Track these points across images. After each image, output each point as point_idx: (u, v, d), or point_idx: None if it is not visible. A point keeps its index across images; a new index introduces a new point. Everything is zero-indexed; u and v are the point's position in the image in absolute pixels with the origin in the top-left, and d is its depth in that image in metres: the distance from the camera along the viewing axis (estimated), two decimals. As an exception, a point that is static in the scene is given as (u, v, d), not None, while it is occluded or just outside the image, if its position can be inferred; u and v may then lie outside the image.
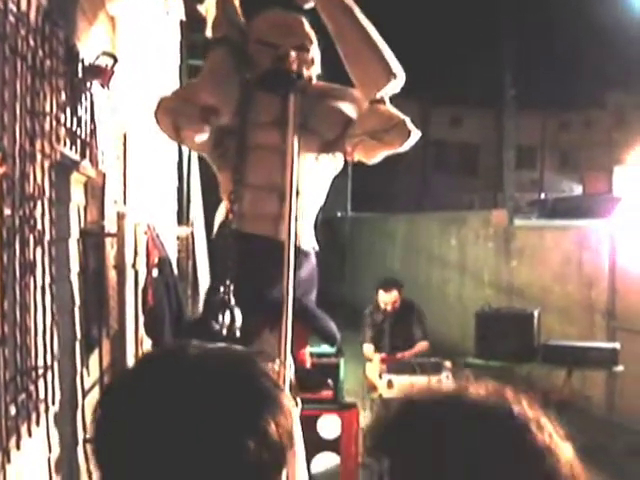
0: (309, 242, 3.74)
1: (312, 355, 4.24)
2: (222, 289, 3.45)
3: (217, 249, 3.70)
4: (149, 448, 1.14)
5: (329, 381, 4.13)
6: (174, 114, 3.46)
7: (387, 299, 7.70)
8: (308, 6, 3.62)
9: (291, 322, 3.62)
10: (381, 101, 3.60)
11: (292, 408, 1.24)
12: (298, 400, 3.86)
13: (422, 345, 7.64)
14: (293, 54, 3.58)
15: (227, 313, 3.41)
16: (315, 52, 3.71)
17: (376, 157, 3.71)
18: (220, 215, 3.85)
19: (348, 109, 3.70)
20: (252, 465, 1.15)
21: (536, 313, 7.09)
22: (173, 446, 1.14)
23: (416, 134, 3.58)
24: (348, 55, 3.56)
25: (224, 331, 3.40)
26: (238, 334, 3.42)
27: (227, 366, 1.23)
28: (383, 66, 3.52)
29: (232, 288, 3.44)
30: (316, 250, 3.81)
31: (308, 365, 3.95)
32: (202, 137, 3.53)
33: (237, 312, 3.42)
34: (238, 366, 1.24)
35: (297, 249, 3.61)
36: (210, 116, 3.41)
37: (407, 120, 3.56)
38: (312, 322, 3.80)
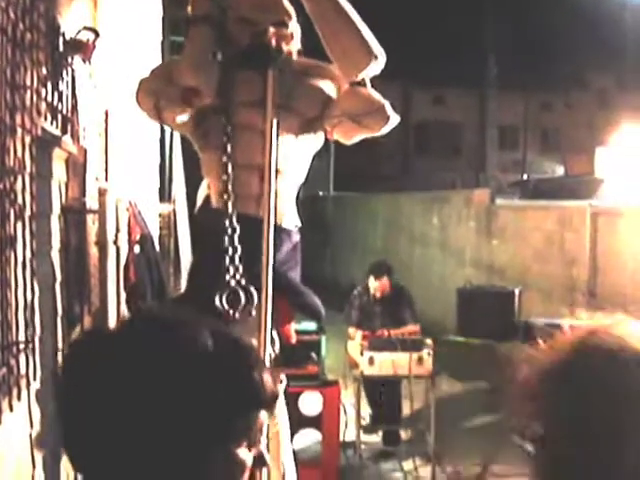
0: (290, 220, 3.73)
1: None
2: (231, 269, 3.43)
3: (201, 228, 3.68)
4: (112, 403, 1.14)
5: (313, 356, 4.13)
6: (155, 95, 3.44)
7: (377, 285, 7.70)
8: None
9: (275, 298, 3.62)
10: (362, 83, 3.58)
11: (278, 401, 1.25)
12: (283, 376, 3.88)
13: (412, 328, 7.64)
14: (272, 30, 3.56)
15: (241, 294, 3.41)
16: (294, 28, 3.68)
17: (354, 138, 3.71)
18: (202, 193, 3.84)
19: (328, 87, 3.67)
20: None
21: (517, 291, 7.13)
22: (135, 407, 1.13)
23: (395, 119, 3.58)
24: (327, 35, 3.53)
25: (237, 314, 3.41)
26: (254, 313, 3.42)
27: (218, 355, 1.20)
28: (363, 47, 3.49)
29: (242, 269, 3.44)
30: (298, 227, 3.80)
31: (293, 341, 3.95)
32: (183, 118, 3.51)
33: (253, 292, 3.42)
34: (228, 354, 1.22)
35: (279, 228, 3.61)
36: (192, 97, 3.39)
37: (387, 105, 3.54)
38: (296, 298, 3.79)
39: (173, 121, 3.64)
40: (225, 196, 3.54)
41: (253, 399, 1.20)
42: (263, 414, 1.22)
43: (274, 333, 3.74)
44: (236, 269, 3.45)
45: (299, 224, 3.80)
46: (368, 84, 3.59)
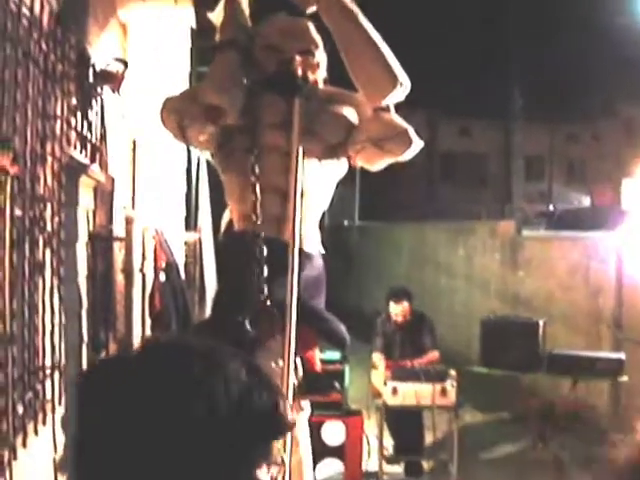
0: (312, 244, 3.75)
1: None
2: (261, 294, 3.45)
3: (224, 252, 3.70)
4: (125, 427, 1.15)
5: (337, 385, 4.12)
6: (179, 114, 3.49)
7: (398, 310, 7.68)
8: (310, 10, 3.63)
9: (299, 325, 3.63)
10: (385, 109, 3.62)
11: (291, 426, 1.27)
12: (307, 403, 3.88)
13: (433, 354, 7.62)
14: (298, 58, 3.61)
15: (266, 317, 3.43)
16: (321, 56, 3.74)
17: (378, 164, 3.73)
18: (226, 217, 3.87)
19: (352, 114, 3.71)
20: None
21: (541, 322, 7.08)
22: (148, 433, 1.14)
23: (418, 144, 3.60)
24: (352, 62, 3.58)
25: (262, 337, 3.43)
26: (278, 337, 3.44)
27: (229, 389, 1.20)
28: (388, 73, 3.53)
29: (267, 292, 3.46)
30: (322, 253, 3.81)
31: (317, 368, 3.94)
32: (206, 137, 3.56)
33: (277, 314, 3.44)
34: (242, 388, 1.22)
35: (300, 251, 3.63)
36: (215, 116, 3.44)
37: (410, 129, 3.58)
38: (320, 325, 3.79)
39: (197, 140, 3.68)
40: (253, 217, 3.56)
41: (275, 429, 1.23)
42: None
43: (297, 360, 3.75)
44: (261, 291, 3.46)
45: (322, 250, 3.81)
46: (392, 109, 3.63)
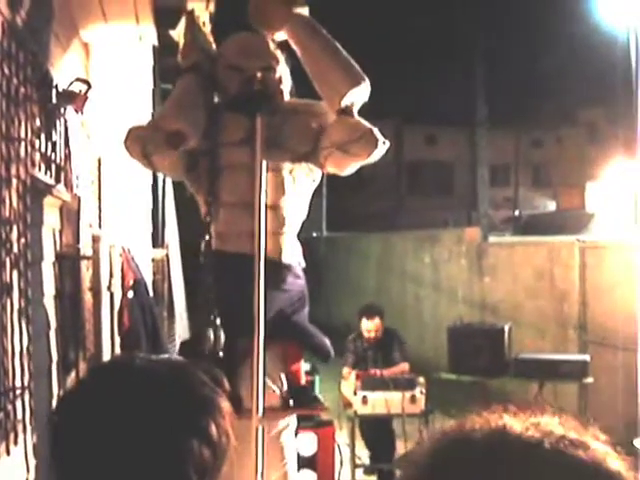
0: (292, 256, 3.77)
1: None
2: (207, 309, 3.49)
3: (202, 271, 3.73)
4: (100, 451, 1.25)
5: (321, 398, 4.15)
6: (142, 141, 3.52)
7: (370, 327, 7.70)
8: (279, 38, 3.74)
9: (285, 339, 3.68)
10: (349, 114, 3.66)
11: (229, 410, 1.34)
12: (293, 418, 3.90)
13: (402, 366, 7.67)
14: (259, 75, 3.67)
15: (211, 332, 3.45)
16: (283, 70, 3.80)
17: (347, 169, 3.76)
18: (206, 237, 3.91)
19: (318, 123, 3.76)
20: (196, 463, 1.25)
21: (506, 328, 7.19)
22: (122, 448, 1.25)
23: (384, 144, 3.62)
24: (313, 70, 3.67)
25: (206, 350, 3.44)
26: (221, 354, 3.46)
27: (169, 375, 1.33)
28: (344, 73, 3.61)
29: (215, 307, 3.48)
30: (303, 266, 3.84)
31: (302, 382, 3.97)
32: (171, 162, 3.60)
33: (220, 331, 3.46)
34: (179, 374, 1.35)
35: (279, 264, 3.66)
36: (176, 141, 3.47)
37: (374, 130, 3.60)
38: (306, 340, 3.82)
39: (163, 166, 3.74)
40: (207, 236, 3.62)
41: (199, 409, 1.31)
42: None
43: (282, 375, 3.79)
44: (210, 307, 3.50)
45: (303, 263, 3.83)
46: (355, 113, 3.67)
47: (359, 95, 3.64)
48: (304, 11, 3.72)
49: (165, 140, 3.46)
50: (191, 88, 3.66)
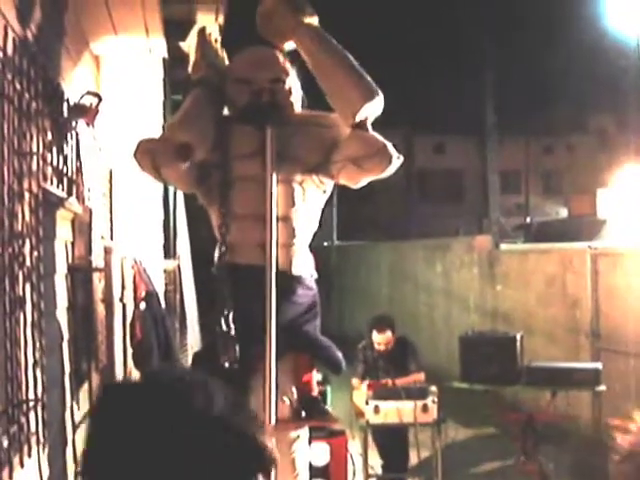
0: (303, 268, 3.77)
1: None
2: (223, 322, 3.49)
3: (215, 283, 3.73)
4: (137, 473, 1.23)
5: (329, 409, 4.14)
6: (152, 154, 3.54)
7: (381, 339, 7.64)
8: (288, 47, 3.75)
9: (296, 351, 3.68)
10: (364, 127, 3.67)
11: (275, 458, 1.30)
12: (305, 429, 3.89)
13: (418, 376, 7.60)
14: (268, 87, 3.69)
15: (229, 345, 3.45)
16: (293, 82, 3.80)
17: (360, 182, 3.76)
18: (218, 250, 3.92)
19: (329, 134, 3.77)
20: None
21: (518, 336, 7.16)
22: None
23: (398, 159, 3.62)
24: (325, 84, 3.67)
25: (226, 363, 3.44)
26: (237, 366, 3.46)
27: (226, 425, 1.26)
28: (357, 88, 3.61)
29: (231, 319, 3.49)
30: (315, 277, 3.83)
31: (314, 393, 3.96)
32: (181, 174, 3.61)
33: (236, 344, 3.46)
34: (235, 427, 1.27)
35: (290, 275, 3.66)
36: (185, 153, 3.49)
37: (389, 145, 3.61)
38: (315, 350, 3.82)
39: (173, 178, 3.75)
40: (223, 248, 3.63)
41: (255, 464, 1.28)
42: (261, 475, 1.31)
43: (293, 386, 3.78)
44: (227, 320, 3.50)
45: (315, 274, 3.83)
46: (369, 127, 3.68)
47: (373, 109, 3.64)
48: (313, 21, 3.73)
49: (174, 152, 3.47)
50: (199, 101, 3.68)
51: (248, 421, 1.29)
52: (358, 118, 3.62)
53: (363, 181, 3.75)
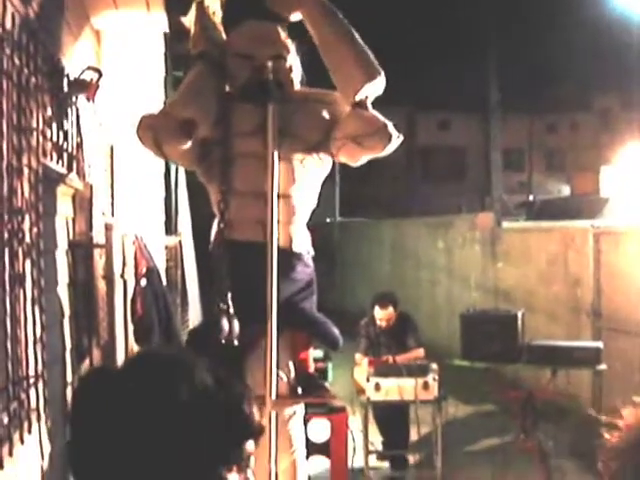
0: (302, 245, 3.77)
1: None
2: (221, 298, 3.49)
3: (213, 260, 3.74)
4: (120, 450, 1.25)
5: (328, 386, 4.16)
6: (154, 130, 3.51)
7: (383, 315, 7.68)
8: (294, 18, 3.69)
9: (293, 328, 3.68)
10: (364, 106, 3.66)
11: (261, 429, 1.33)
12: (301, 405, 3.91)
13: (417, 352, 7.65)
14: (270, 64, 3.66)
15: (226, 322, 3.45)
16: (293, 59, 3.78)
17: (360, 160, 3.76)
18: (215, 227, 3.92)
19: (329, 112, 3.76)
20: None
21: (520, 314, 7.15)
22: (143, 449, 1.24)
23: (398, 138, 3.62)
24: (329, 60, 3.65)
25: (223, 340, 3.44)
26: (236, 342, 3.47)
27: (209, 397, 1.29)
28: (360, 67, 3.58)
29: (229, 296, 3.49)
30: (312, 254, 3.84)
31: (311, 370, 3.97)
32: (183, 150, 3.59)
33: (235, 321, 3.46)
34: (218, 397, 1.30)
35: (290, 252, 3.66)
36: (188, 129, 3.47)
37: (389, 124, 3.60)
38: (314, 328, 3.82)
39: (175, 155, 3.72)
40: (222, 224, 3.62)
41: (242, 432, 1.31)
42: (250, 443, 1.32)
43: (290, 363, 3.80)
44: (225, 296, 3.50)
45: (312, 251, 3.83)
46: (369, 106, 3.66)
47: (374, 89, 3.63)
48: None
49: (177, 128, 3.45)
50: (201, 77, 3.65)
51: (232, 391, 1.32)
52: (358, 97, 3.61)
53: (363, 159, 3.75)
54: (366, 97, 3.64)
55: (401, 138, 3.64)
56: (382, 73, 3.62)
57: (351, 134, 3.61)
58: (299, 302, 3.72)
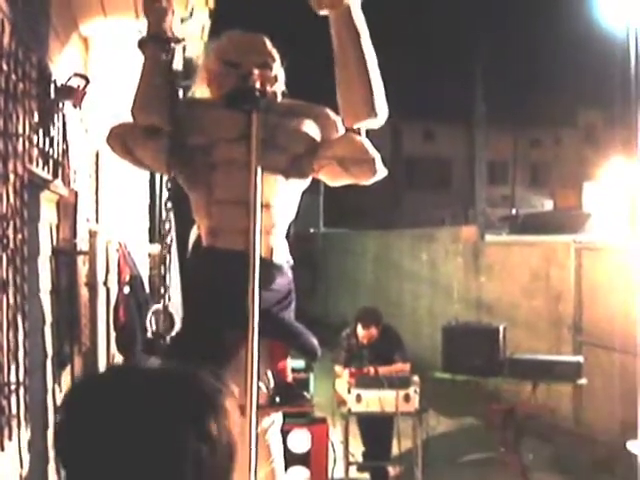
0: (282, 256, 3.77)
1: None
2: (161, 295, 3.52)
3: (191, 268, 3.73)
4: (106, 451, 1.27)
5: (307, 395, 4.15)
6: (122, 137, 3.52)
7: (364, 334, 7.62)
8: (323, 12, 3.62)
9: (271, 338, 3.68)
10: (357, 131, 3.66)
11: (233, 410, 1.35)
12: (279, 415, 3.92)
13: (402, 366, 7.59)
14: (256, 72, 3.65)
15: (162, 318, 3.48)
16: (278, 70, 3.78)
17: (338, 182, 3.78)
18: (193, 234, 3.91)
19: (311, 126, 3.75)
20: (193, 460, 1.27)
21: (501, 328, 7.19)
22: (121, 446, 1.26)
23: (382, 173, 3.64)
24: (341, 79, 3.62)
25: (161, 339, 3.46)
26: (167, 338, 3.49)
27: (170, 374, 1.37)
28: (368, 102, 3.58)
29: (168, 293, 3.50)
30: (290, 264, 3.84)
31: (289, 379, 3.97)
32: (153, 153, 3.56)
33: (174, 317, 3.49)
34: (179, 374, 1.38)
35: (270, 263, 3.66)
36: (152, 131, 3.48)
37: (377, 158, 3.61)
38: (291, 337, 3.82)
39: (149, 160, 3.68)
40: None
41: (204, 409, 1.33)
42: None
43: (269, 372, 3.80)
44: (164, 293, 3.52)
45: (291, 261, 3.84)
46: (363, 133, 3.67)
47: (374, 124, 3.64)
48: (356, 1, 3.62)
49: (141, 133, 3.48)
50: (150, 76, 3.53)
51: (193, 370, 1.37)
52: (356, 126, 3.62)
53: (342, 182, 3.76)
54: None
55: (385, 173, 3.66)
56: (386, 112, 3.63)
57: (338, 156, 3.61)
58: (278, 312, 3.72)
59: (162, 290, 3.52)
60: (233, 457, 1.34)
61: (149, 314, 3.46)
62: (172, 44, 3.61)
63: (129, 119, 3.65)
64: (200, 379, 1.36)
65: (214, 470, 1.30)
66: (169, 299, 3.50)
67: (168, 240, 3.63)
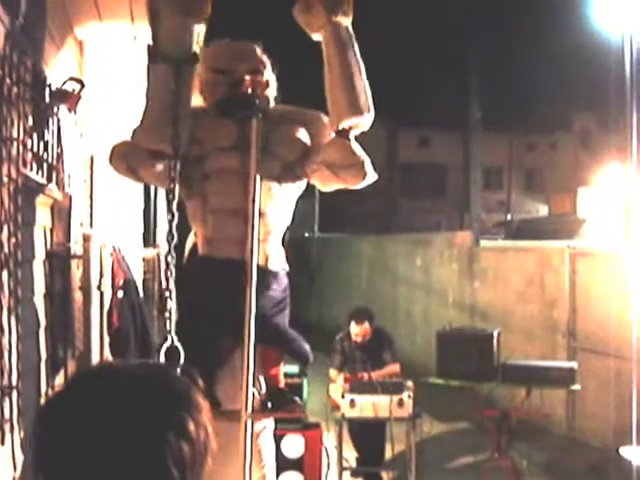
0: (278, 263, 3.77)
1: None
2: (162, 298, 3.51)
3: (187, 275, 3.72)
4: (83, 449, 1.27)
5: (299, 401, 4.14)
6: (126, 158, 3.51)
7: (358, 331, 7.70)
8: (316, 38, 3.69)
9: (264, 344, 3.68)
10: (347, 135, 3.67)
11: (206, 407, 1.37)
12: (271, 420, 3.92)
13: (393, 368, 7.66)
14: (247, 78, 3.66)
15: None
16: (269, 75, 3.79)
17: (330, 187, 3.79)
18: (190, 242, 3.91)
19: (306, 132, 3.76)
20: (174, 457, 1.27)
21: (495, 333, 7.20)
22: (102, 447, 1.27)
23: (373, 177, 3.66)
24: (328, 80, 3.65)
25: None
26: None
27: (145, 373, 1.38)
28: (353, 98, 3.59)
29: (169, 299, 3.49)
30: (286, 271, 3.84)
31: (281, 385, 3.97)
32: (159, 172, 3.55)
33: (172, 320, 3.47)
34: (154, 372, 1.40)
35: (266, 270, 3.66)
36: (159, 155, 3.46)
37: (367, 161, 3.62)
38: (284, 343, 3.83)
39: (152, 178, 3.69)
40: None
41: (181, 407, 1.33)
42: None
43: (261, 378, 3.80)
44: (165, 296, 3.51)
45: (287, 268, 3.84)
46: (352, 138, 3.68)
47: (360, 122, 3.65)
48: (347, 21, 3.69)
49: (147, 156, 3.46)
50: (160, 97, 3.49)
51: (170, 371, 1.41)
52: (341, 126, 3.62)
53: (333, 187, 3.77)
54: (350, 127, 3.65)
55: (376, 177, 3.66)
56: (372, 111, 3.64)
57: (328, 161, 3.62)
58: (272, 318, 3.72)
59: (167, 326, 3.47)
60: (208, 452, 1.35)
61: (160, 353, 3.41)
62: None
63: (127, 125, 3.65)
64: (172, 376, 1.39)
65: (194, 466, 1.31)
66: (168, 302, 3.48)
67: (170, 259, 3.53)
